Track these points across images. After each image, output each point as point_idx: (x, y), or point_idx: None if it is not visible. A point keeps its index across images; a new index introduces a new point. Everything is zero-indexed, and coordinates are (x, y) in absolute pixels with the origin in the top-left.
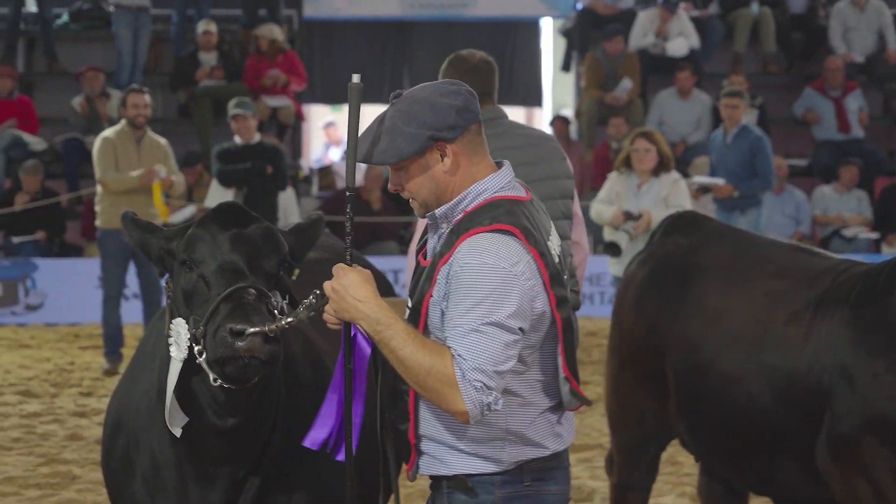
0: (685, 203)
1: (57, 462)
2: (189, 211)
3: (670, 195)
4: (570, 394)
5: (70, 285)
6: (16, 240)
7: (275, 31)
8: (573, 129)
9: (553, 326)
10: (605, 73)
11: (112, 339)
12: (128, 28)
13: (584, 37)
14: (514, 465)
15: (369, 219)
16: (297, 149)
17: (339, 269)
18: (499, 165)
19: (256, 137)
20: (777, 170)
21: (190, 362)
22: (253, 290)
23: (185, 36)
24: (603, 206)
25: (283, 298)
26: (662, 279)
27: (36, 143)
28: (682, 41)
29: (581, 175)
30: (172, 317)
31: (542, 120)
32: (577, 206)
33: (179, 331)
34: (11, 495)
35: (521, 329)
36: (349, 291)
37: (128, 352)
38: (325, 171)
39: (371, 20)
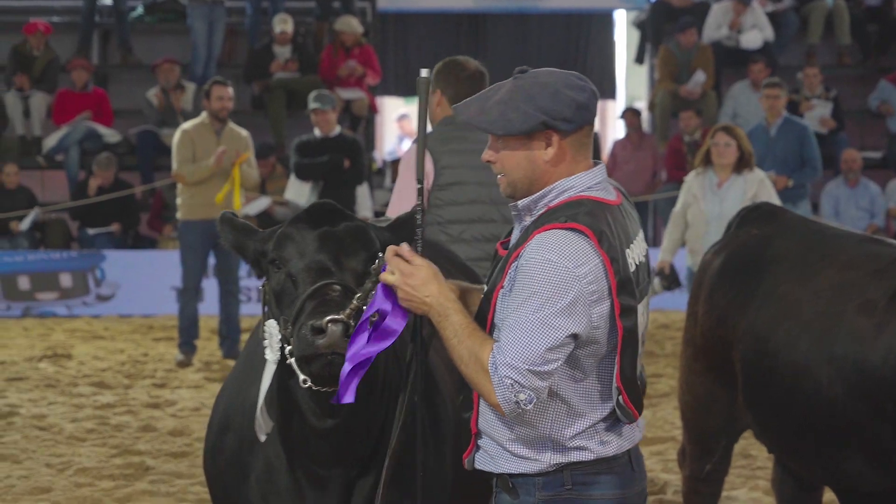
0: (776, 202)
1: (130, 453)
2: (263, 202)
3: (759, 194)
4: (620, 406)
5: (143, 277)
6: (91, 231)
7: (355, 26)
8: (646, 122)
9: (615, 335)
10: (678, 66)
11: (187, 330)
12: (203, 20)
13: (657, 29)
14: (553, 467)
15: None
16: (370, 141)
17: (407, 265)
18: (595, 165)
19: (336, 130)
20: (851, 162)
21: (286, 364)
22: (338, 287)
23: (260, 28)
24: (669, 232)
25: None
26: (734, 270)
27: (110, 135)
28: (756, 33)
29: (654, 168)
30: (265, 318)
31: (615, 112)
32: None
33: (272, 332)
34: (85, 486)
35: (572, 334)
36: (419, 289)
37: (201, 343)
38: (398, 163)
39: (444, 12)
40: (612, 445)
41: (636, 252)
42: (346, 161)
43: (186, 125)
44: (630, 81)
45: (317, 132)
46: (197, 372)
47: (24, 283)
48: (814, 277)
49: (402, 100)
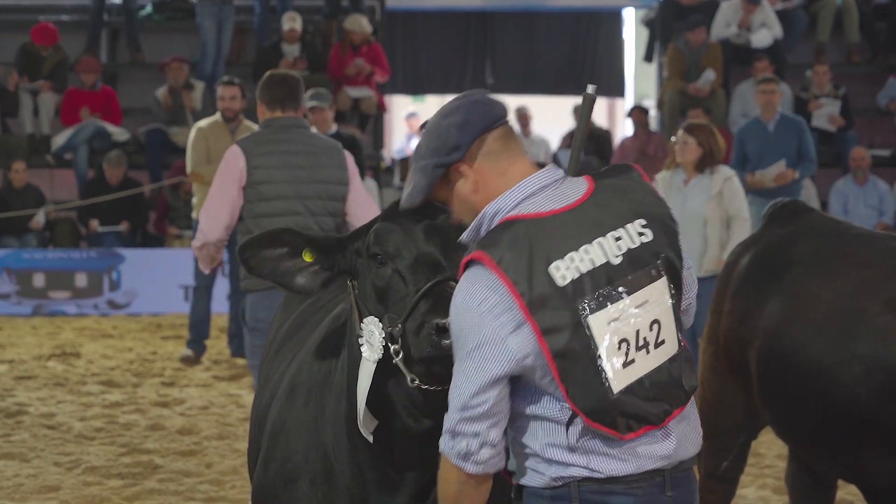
0: (740, 204)
1: (139, 452)
2: None
3: (724, 195)
4: (590, 430)
5: (152, 276)
6: (100, 229)
7: (364, 25)
8: (654, 120)
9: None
10: (687, 64)
11: (197, 328)
12: (212, 19)
13: (666, 27)
14: (559, 482)
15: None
16: (378, 139)
17: None
18: (541, 166)
19: (333, 129)
20: (860, 161)
21: (383, 363)
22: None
23: (268, 26)
24: None
25: None
26: (757, 269)
27: (119, 133)
28: (765, 32)
29: (662, 165)
30: (362, 316)
31: (624, 110)
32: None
33: (373, 330)
34: (94, 485)
35: (493, 370)
36: None
37: (209, 342)
38: (407, 162)
39: (453, 11)
40: (627, 464)
41: (599, 251)
42: None
43: (202, 123)
44: (639, 79)
45: (314, 130)
46: (205, 370)
47: (38, 280)
48: (834, 275)
49: (410, 98)
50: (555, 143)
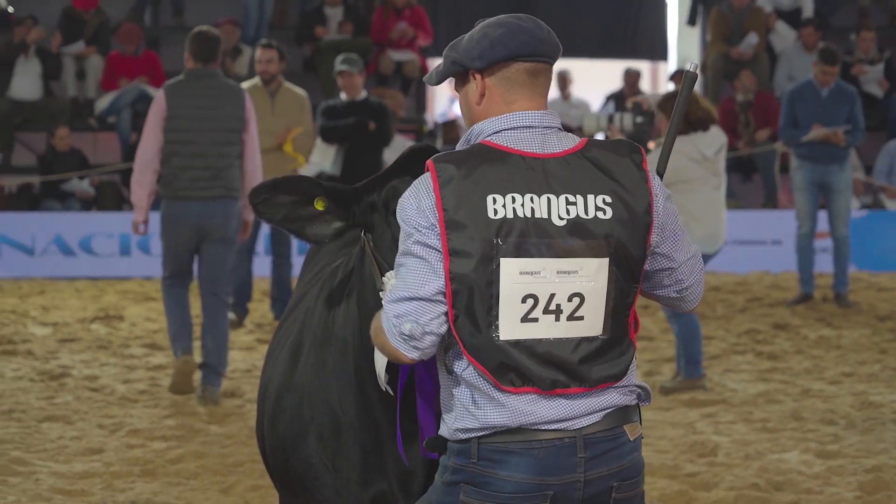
0: None
1: (182, 414)
2: (314, 170)
3: None
4: (479, 375)
5: None
6: None
7: None
8: (697, 84)
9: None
10: (730, 27)
11: (239, 291)
12: None
13: None
14: (461, 436)
15: None
16: (421, 103)
17: None
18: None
19: (363, 94)
20: None
21: None
22: None
23: None
24: None
25: None
26: None
27: None
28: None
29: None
30: (382, 271)
31: (667, 74)
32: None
33: None
34: (137, 447)
35: (429, 252)
36: None
37: (252, 305)
38: (450, 125)
39: None
40: (516, 416)
41: (544, 206)
42: (372, 124)
43: (243, 87)
44: (682, 43)
45: (343, 96)
46: (249, 333)
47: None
48: None
49: None
50: (595, 106)
